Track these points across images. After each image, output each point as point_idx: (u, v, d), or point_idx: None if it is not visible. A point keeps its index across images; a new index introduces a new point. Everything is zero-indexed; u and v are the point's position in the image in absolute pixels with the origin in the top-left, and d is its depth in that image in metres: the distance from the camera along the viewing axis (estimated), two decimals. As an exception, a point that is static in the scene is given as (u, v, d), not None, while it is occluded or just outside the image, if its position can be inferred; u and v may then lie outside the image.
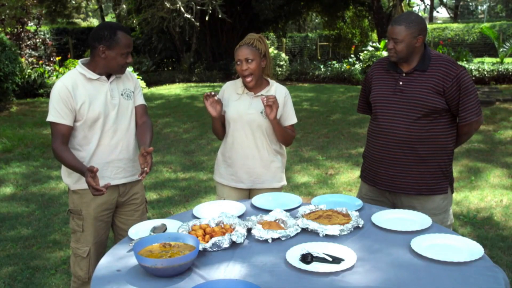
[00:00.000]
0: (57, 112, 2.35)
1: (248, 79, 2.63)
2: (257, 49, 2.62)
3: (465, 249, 1.79)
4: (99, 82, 2.44)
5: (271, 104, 2.52)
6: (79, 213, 2.50)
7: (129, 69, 2.68)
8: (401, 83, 2.50)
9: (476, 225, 4.12)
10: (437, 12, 56.06)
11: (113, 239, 2.76)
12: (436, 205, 2.54)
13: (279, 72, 14.54)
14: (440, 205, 2.55)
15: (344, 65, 14.55)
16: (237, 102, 2.72)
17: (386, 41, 2.50)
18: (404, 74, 2.50)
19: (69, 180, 2.51)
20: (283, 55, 15.19)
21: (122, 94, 2.51)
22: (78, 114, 2.39)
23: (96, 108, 2.40)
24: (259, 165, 2.73)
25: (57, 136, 2.36)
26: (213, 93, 2.63)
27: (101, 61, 2.41)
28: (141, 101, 2.63)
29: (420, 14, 25.75)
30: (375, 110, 2.59)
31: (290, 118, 2.77)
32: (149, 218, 3.93)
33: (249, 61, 2.60)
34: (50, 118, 2.37)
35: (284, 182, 2.85)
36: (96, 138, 2.44)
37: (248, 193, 2.82)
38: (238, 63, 2.63)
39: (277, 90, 2.74)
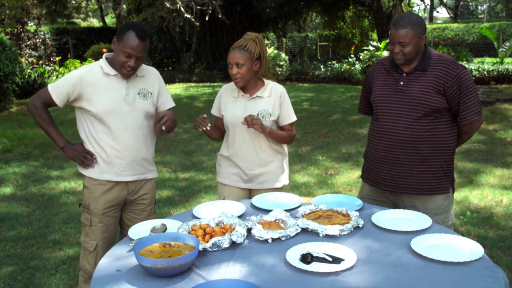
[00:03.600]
0: (58, 87, 2.49)
1: (236, 80, 2.64)
2: (249, 53, 2.59)
3: (465, 249, 1.79)
4: (115, 78, 2.48)
5: (252, 126, 2.53)
6: (88, 208, 2.55)
7: (152, 70, 2.66)
8: (401, 83, 2.50)
9: (476, 225, 4.12)
10: (437, 12, 56.05)
11: (120, 235, 2.77)
12: (437, 205, 2.54)
13: (279, 72, 14.53)
14: (442, 204, 2.55)
15: (344, 65, 14.54)
16: (234, 106, 2.72)
17: (390, 45, 2.48)
18: (404, 74, 2.50)
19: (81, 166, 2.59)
20: (283, 55, 15.18)
21: (138, 93, 2.54)
22: (88, 104, 2.45)
23: (106, 102, 2.44)
24: (258, 166, 2.73)
25: (42, 97, 2.51)
26: (204, 127, 2.61)
27: (114, 54, 2.48)
28: (170, 104, 2.67)
29: (420, 14, 25.81)
30: (376, 110, 2.59)
31: (288, 116, 2.75)
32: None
33: (239, 65, 2.59)
34: (50, 86, 2.52)
35: (285, 182, 2.84)
36: (105, 132, 2.48)
37: (249, 193, 2.82)
38: (229, 66, 2.63)
39: (272, 89, 2.72)
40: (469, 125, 2.48)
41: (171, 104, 2.69)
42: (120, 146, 2.50)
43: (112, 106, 2.45)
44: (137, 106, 2.52)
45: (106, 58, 2.53)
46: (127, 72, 2.44)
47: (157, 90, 2.62)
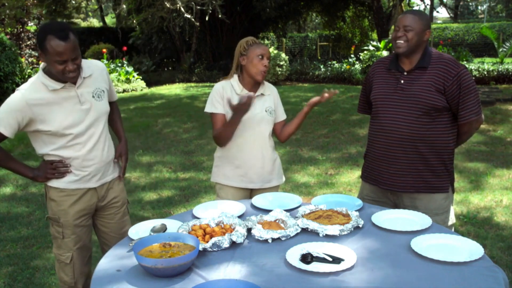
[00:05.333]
0: (3, 118, 2.23)
1: (265, 73, 2.67)
2: None
3: (465, 249, 1.79)
4: (64, 90, 2.27)
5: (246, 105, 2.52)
6: (58, 221, 2.42)
7: (94, 64, 2.47)
8: (402, 81, 2.50)
9: (476, 225, 4.12)
10: (437, 12, 56.09)
11: (98, 240, 2.69)
12: (438, 205, 2.54)
13: (279, 72, 14.52)
14: (442, 204, 2.55)
15: (344, 65, 14.54)
16: None
17: (394, 33, 2.49)
18: (405, 73, 2.50)
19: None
20: (283, 55, 15.16)
21: (93, 96, 2.37)
22: (44, 125, 2.26)
23: (64, 118, 2.28)
24: (268, 164, 2.76)
25: None
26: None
27: (48, 66, 2.21)
28: (115, 97, 2.65)
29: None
30: (376, 108, 2.60)
31: (282, 113, 2.89)
32: (149, 218, 3.93)
33: (269, 59, 2.69)
34: None
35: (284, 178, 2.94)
36: (68, 145, 2.34)
37: (249, 193, 2.82)
38: (260, 57, 2.64)
39: (270, 88, 2.85)
40: (468, 125, 2.48)
41: (116, 96, 2.66)
42: (85, 155, 2.38)
43: (71, 120, 2.29)
44: (94, 112, 2.37)
45: (45, 71, 2.27)
46: (72, 76, 2.21)
47: (108, 84, 2.50)
